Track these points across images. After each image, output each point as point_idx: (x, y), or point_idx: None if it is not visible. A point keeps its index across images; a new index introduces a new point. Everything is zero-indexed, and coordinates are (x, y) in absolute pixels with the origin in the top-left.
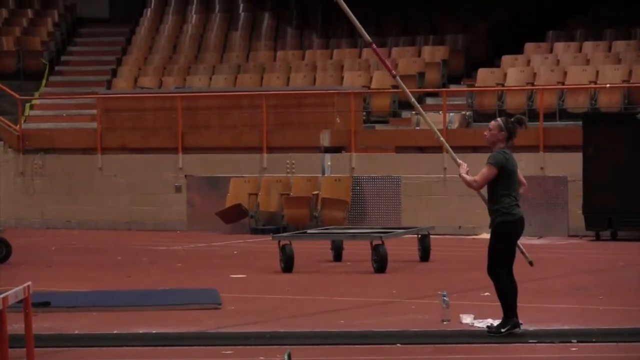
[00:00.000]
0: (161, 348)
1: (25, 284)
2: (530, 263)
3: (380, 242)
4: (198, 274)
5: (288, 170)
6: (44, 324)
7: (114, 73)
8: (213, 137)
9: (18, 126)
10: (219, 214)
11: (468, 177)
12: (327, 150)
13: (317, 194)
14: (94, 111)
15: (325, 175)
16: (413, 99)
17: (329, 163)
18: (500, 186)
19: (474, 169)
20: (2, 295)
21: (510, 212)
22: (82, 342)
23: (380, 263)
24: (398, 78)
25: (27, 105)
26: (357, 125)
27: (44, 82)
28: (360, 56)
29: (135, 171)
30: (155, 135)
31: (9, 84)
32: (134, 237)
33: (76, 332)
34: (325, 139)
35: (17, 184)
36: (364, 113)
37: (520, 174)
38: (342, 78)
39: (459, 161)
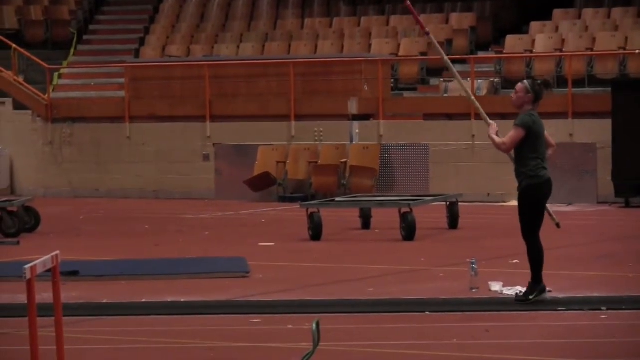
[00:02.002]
0: (189, 316)
1: (54, 253)
2: (557, 225)
3: (408, 210)
4: (226, 242)
5: (316, 138)
6: (73, 293)
7: (142, 42)
8: (241, 106)
9: (47, 95)
10: (247, 182)
11: (497, 139)
12: (355, 118)
13: (345, 162)
14: (122, 80)
15: (354, 143)
16: (445, 57)
17: (357, 131)
18: (527, 148)
19: (503, 135)
20: (30, 264)
21: (537, 174)
22: (110, 310)
23: (408, 231)
24: (432, 37)
25: (56, 74)
26: (385, 92)
27: (72, 51)
28: (388, 24)
29: (163, 140)
30: (183, 103)
31: (37, 54)
32: (162, 205)
33: (105, 300)
34: (353, 107)
35: (45, 153)
36: (392, 80)
37: (548, 136)
38: (370, 45)
39: (490, 121)
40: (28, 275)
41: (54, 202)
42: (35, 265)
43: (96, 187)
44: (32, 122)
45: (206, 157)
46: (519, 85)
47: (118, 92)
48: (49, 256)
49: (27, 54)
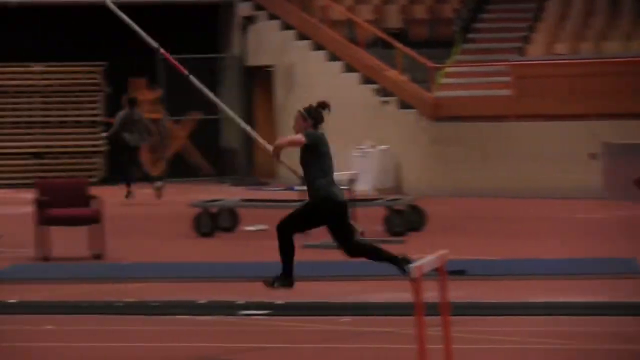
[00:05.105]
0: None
1: (441, 252)
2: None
3: None
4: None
5: None
6: (460, 292)
7: (526, 40)
8: (634, 104)
9: (431, 94)
10: (637, 182)
11: (281, 140)
12: None
13: None
14: (507, 78)
15: None
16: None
17: None
18: (314, 168)
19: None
20: (416, 264)
21: (329, 195)
22: (497, 310)
23: None
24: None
25: (440, 73)
26: None
27: (456, 49)
28: None
29: (547, 138)
30: (568, 102)
31: (421, 52)
32: (541, 205)
33: (491, 300)
34: None
35: (431, 153)
36: None
37: None
38: None
39: (268, 146)
40: (415, 275)
41: (440, 201)
42: (422, 264)
43: (480, 186)
44: (417, 121)
45: (593, 156)
46: (296, 114)
47: (501, 90)
48: (435, 255)
49: (411, 52)
